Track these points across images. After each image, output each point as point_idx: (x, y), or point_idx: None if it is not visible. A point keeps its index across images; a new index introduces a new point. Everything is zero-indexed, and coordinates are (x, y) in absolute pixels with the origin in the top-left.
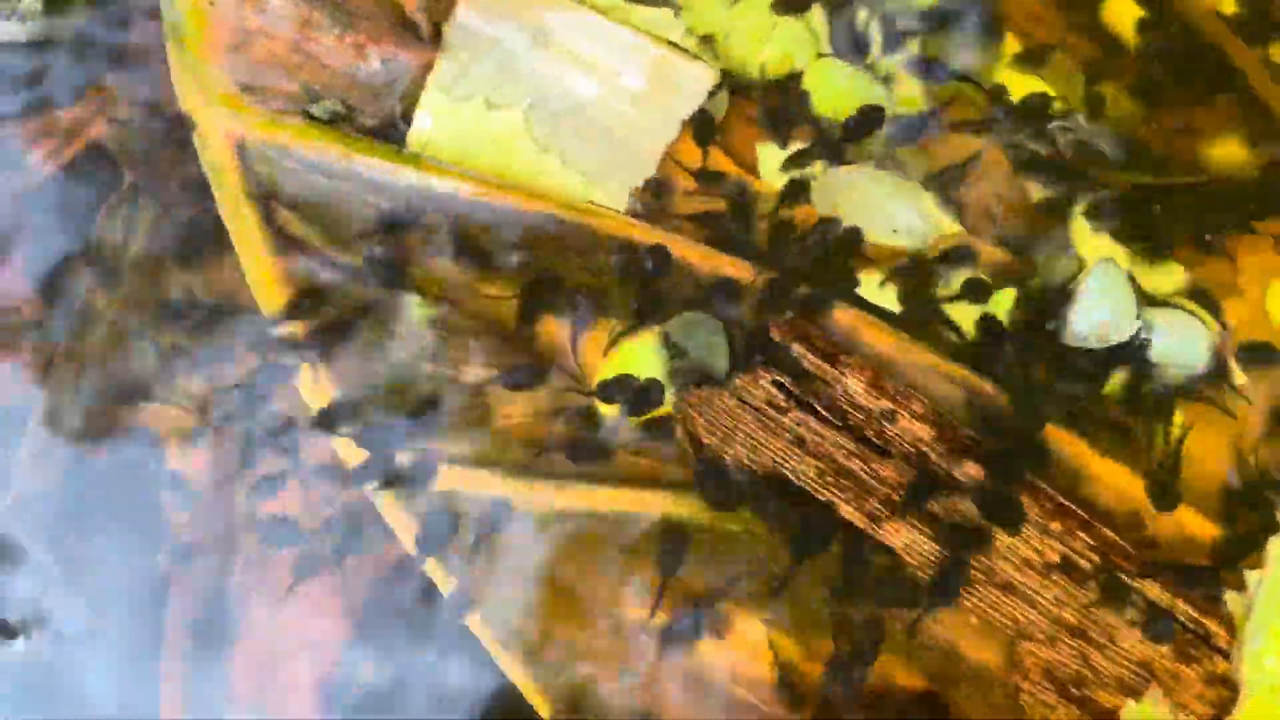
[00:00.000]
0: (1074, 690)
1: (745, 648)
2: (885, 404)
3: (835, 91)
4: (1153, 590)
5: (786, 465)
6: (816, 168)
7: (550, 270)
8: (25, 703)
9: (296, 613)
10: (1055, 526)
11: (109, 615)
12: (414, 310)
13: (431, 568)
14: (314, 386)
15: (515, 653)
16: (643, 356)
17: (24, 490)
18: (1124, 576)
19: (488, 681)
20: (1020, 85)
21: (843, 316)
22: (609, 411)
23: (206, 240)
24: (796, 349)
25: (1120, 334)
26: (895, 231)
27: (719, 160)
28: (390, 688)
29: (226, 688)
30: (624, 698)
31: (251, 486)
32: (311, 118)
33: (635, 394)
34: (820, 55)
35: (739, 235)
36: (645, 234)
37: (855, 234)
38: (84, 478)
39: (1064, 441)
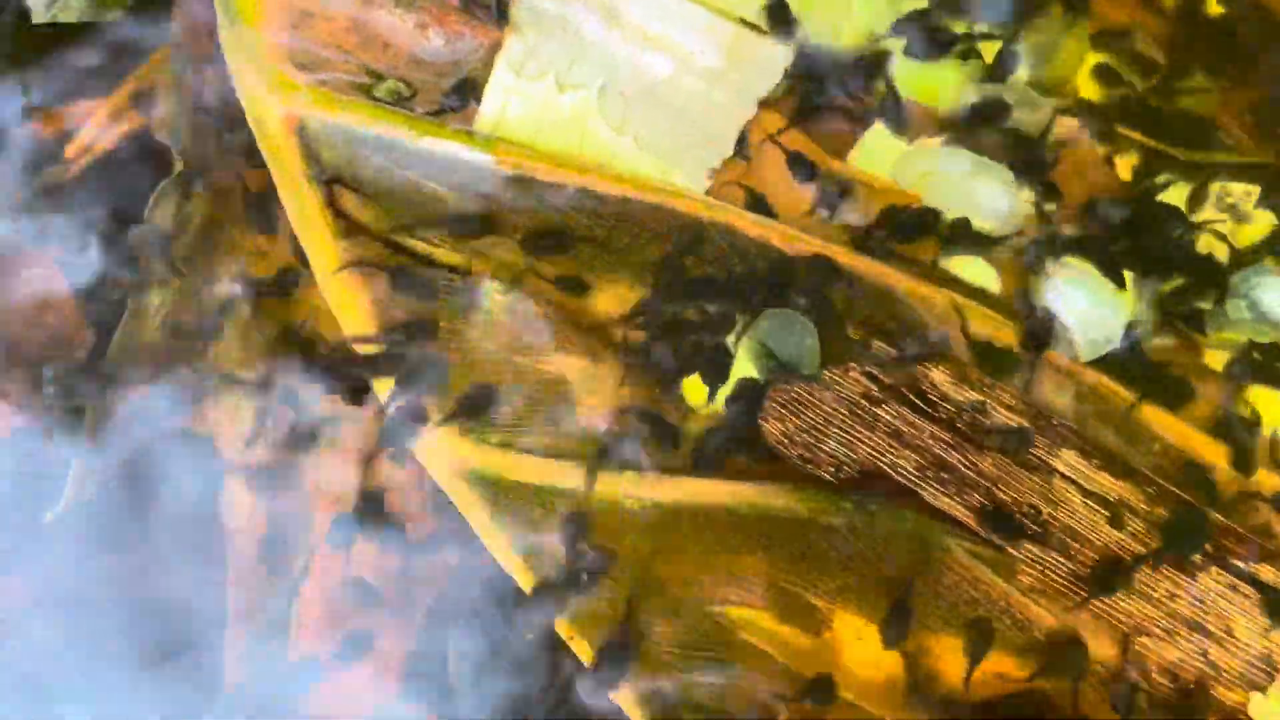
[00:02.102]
0: (1194, 686)
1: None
2: (973, 395)
3: (920, 72)
4: (1268, 573)
5: (884, 459)
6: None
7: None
8: None
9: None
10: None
11: None
12: (491, 298)
13: (516, 566)
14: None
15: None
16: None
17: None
18: (1238, 562)
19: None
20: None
21: (939, 299)
22: (697, 402)
23: (263, 227)
24: (878, 343)
25: None
26: (983, 213)
27: (797, 140)
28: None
29: None
30: (717, 696)
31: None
32: (374, 99)
33: (734, 393)
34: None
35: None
36: (731, 217)
37: (935, 215)
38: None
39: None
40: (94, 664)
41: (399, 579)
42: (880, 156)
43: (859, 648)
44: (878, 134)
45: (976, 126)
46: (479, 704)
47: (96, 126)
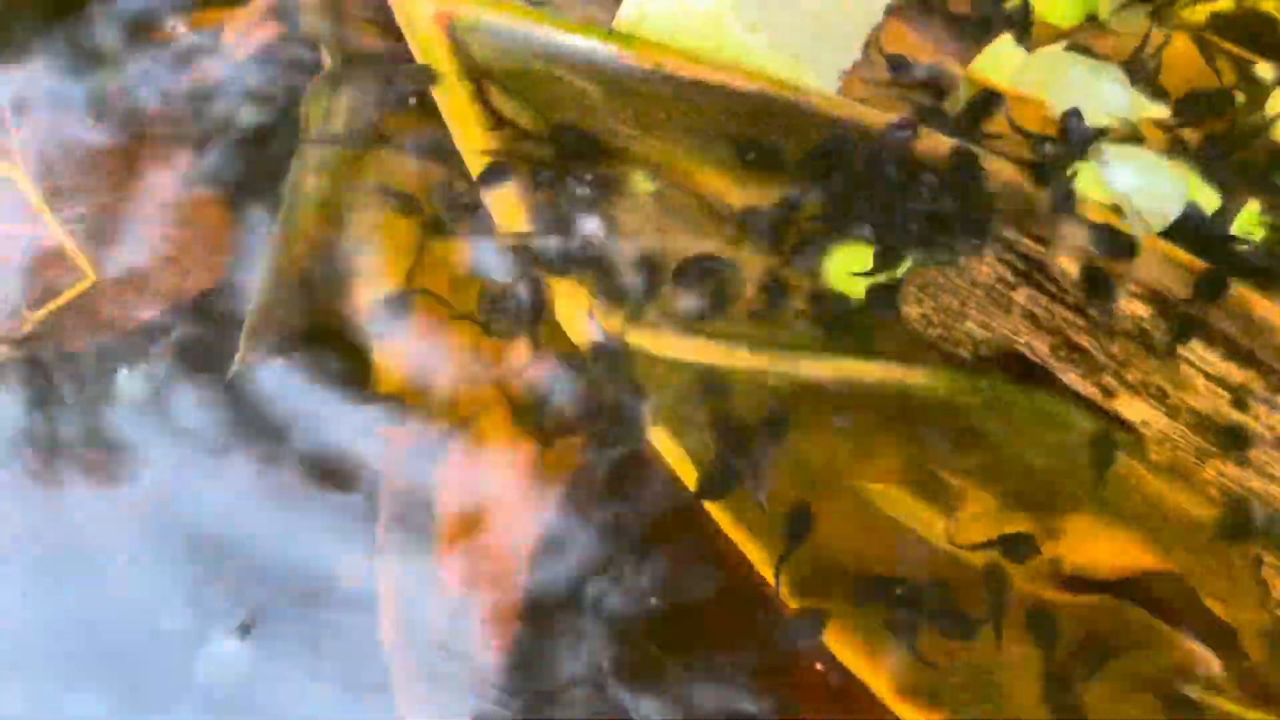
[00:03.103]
0: None
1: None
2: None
3: None
4: None
5: (1020, 340)
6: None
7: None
8: None
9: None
10: None
11: None
12: (638, 184)
13: (664, 442)
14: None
15: (752, 531)
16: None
17: None
18: None
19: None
20: None
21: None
22: (842, 286)
23: (410, 125)
24: (1010, 232)
25: None
26: (1105, 112)
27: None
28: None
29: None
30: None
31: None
32: None
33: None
34: None
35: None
36: (865, 115)
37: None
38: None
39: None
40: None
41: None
42: (1002, 65)
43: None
44: (1003, 43)
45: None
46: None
47: (236, 31)
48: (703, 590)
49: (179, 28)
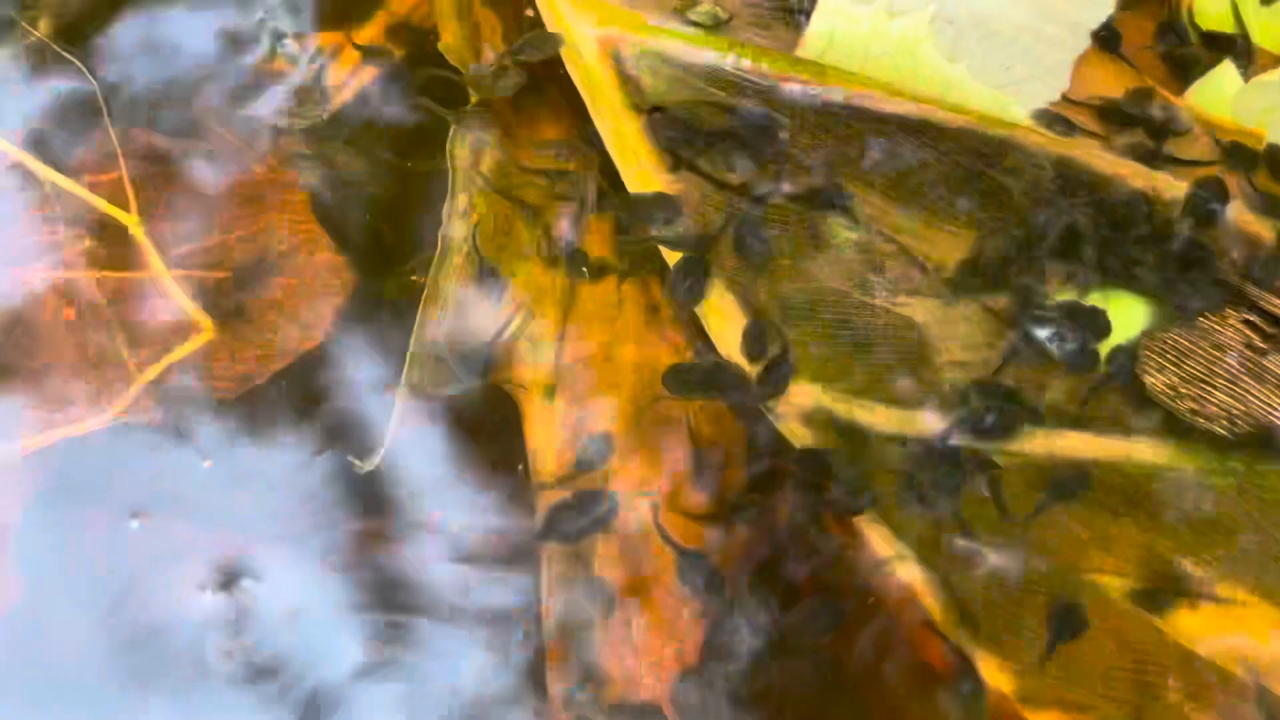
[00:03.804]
0: None
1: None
2: None
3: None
4: None
5: (1277, 414)
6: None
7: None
8: None
9: None
10: None
11: None
12: (835, 232)
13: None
14: (721, 312)
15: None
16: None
17: None
18: None
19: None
20: None
21: None
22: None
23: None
24: (1254, 289)
25: None
26: None
27: (1127, 76)
28: None
29: None
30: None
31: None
32: (691, 22)
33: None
34: None
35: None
36: (1081, 152)
37: None
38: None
39: None
40: None
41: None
42: (1220, 94)
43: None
44: (1224, 71)
45: None
46: None
47: (346, 71)
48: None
49: (293, 48)
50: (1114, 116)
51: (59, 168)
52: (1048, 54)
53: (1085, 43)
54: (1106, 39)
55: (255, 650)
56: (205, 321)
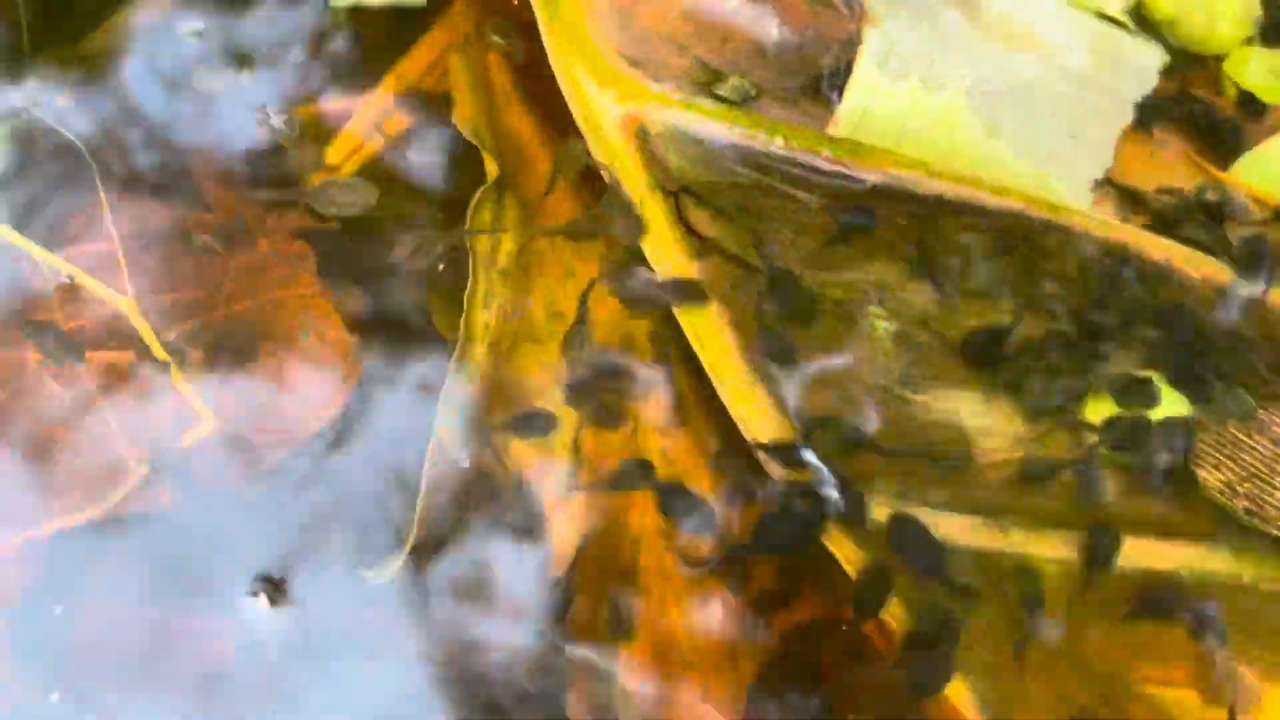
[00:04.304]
0: None
1: None
2: None
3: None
4: None
5: None
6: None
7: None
8: None
9: None
10: None
11: None
12: (874, 324)
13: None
14: (754, 408)
15: None
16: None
17: None
18: None
19: None
20: None
21: None
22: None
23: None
24: None
25: None
26: None
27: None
28: None
29: None
30: None
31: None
32: (718, 98)
33: (1156, 436)
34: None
35: (1213, 241)
36: (1130, 237)
37: None
38: None
39: None
40: None
41: None
42: (1271, 169)
43: None
44: (1275, 145)
45: None
46: None
47: (361, 125)
48: None
49: (295, 121)
50: (1168, 205)
51: (47, 244)
52: (1093, 126)
53: (1129, 116)
54: (1152, 112)
55: None
56: (206, 410)
